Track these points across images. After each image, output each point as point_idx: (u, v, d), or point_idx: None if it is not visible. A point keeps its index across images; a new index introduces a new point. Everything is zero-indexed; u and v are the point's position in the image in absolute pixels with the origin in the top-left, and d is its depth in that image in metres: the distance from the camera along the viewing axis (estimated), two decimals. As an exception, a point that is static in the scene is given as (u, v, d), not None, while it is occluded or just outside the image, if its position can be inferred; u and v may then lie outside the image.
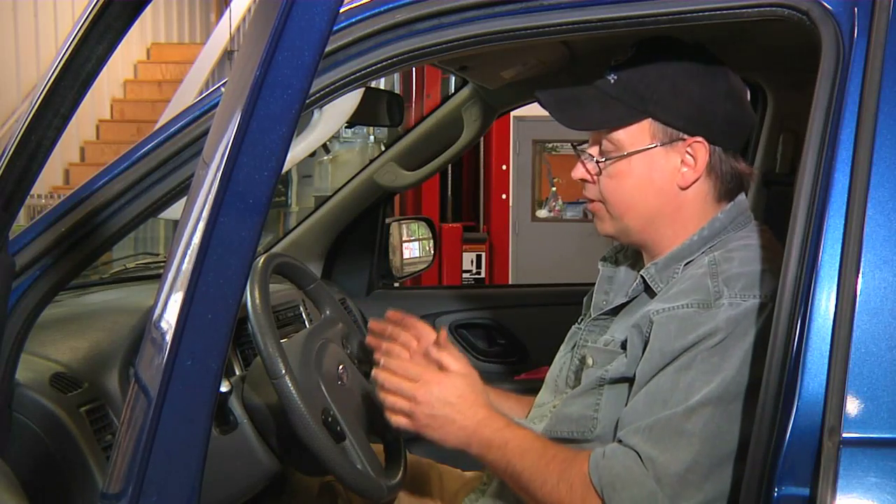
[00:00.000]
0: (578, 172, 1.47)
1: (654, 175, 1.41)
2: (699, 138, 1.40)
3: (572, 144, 1.52)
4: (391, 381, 1.41)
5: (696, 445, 1.24)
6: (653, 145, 1.40)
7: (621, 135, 1.41)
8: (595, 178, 1.45)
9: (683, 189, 1.41)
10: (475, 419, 1.38)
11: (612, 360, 1.39)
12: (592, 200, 1.47)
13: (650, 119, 1.40)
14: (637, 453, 1.27)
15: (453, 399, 1.39)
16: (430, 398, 1.38)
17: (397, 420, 1.42)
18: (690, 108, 1.39)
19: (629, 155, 1.41)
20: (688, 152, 1.40)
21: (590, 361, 1.43)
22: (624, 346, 1.38)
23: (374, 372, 1.44)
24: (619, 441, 1.30)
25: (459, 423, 1.38)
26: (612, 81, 1.42)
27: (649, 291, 1.42)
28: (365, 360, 1.72)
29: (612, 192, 1.43)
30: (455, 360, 1.45)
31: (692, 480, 1.24)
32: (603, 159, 1.43)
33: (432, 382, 1.39)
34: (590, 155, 1.45)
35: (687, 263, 1.40)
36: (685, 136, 1.40)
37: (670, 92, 1.39)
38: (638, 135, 1.40)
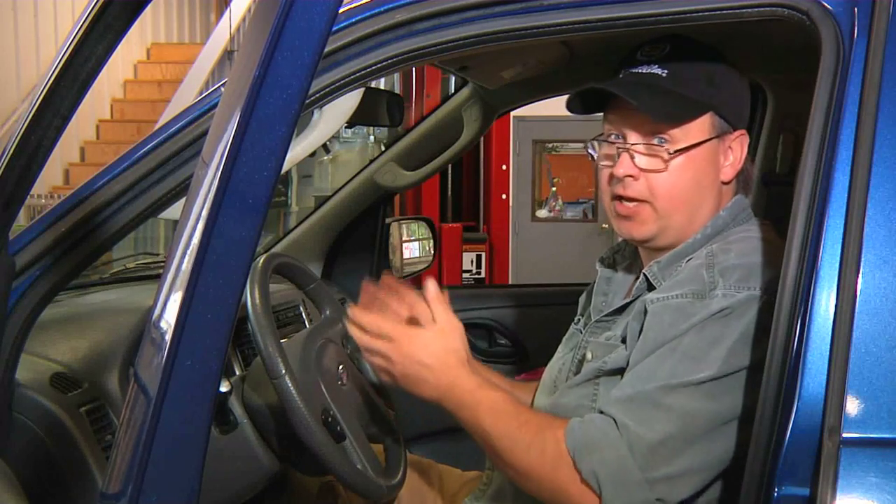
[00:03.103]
0: (625, 168, 1.39)
1: (708, 168, 1.40)
2: (742, 131, 1.41)
3: (597, 139, 1.45)
4: (363, 340, 1.41)
5: (673, 421, 1.24)
6: (710, 137, 1.39)
7: (684, 127, 1.37)
8: (641, 173, 1.39)
9: (726, 183, 1.42)
10: (447, 379, 1.37)
11: (611, 352, 1.39)
12: (632, 200, 1.40)
13: (711, 111, 1.39)
14: (613, 419, 1.27)
15: (425, 359, 1.38)
16: (401, 357, 1.38)
17: (379, 373, 1.44)
18: (737, 101, 1.41)
19: (692, 147, 1.37)
20: (730, 146, 1.41)
21: (589, 356, 1.43)
22: (624, 339, 1.38)
23: (347, 326, 1.44)
24: (599, 410, 1.31)
25: (432, 382, 1.38)
26: (664, 75, 1.38)
27: (651, 290, 1.41)
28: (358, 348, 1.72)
29: (666, 186, 1.38)
30: (439, 313, 1.43)
31: (663, 454, 1.24)
32: (672, 151, 1.37)
33: (403, 342, 1.39)
34: (650, 145, 1.38)
35: (689, 260, 1.40)
36: (732, 130, 1.40)
37: (724, 84, 1.40)
38: (697, 127, 1.38)
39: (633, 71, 1.41)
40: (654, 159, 1.38)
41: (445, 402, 1.38)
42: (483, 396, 1.36)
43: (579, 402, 1.40)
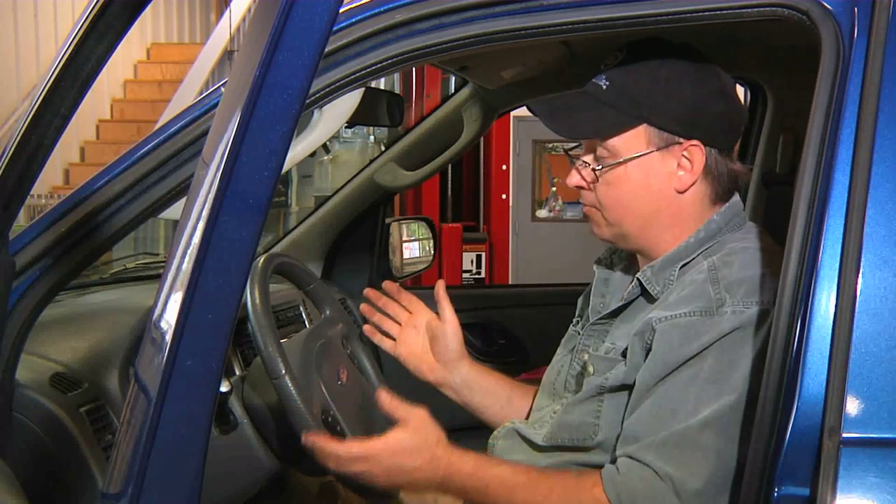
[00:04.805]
0: (574, 180, 1.46)
1: (651, 180, 1.40)
2: (695, 141, 1.39)
3: (565, 151, 1.52)
4: (340, 469, 1.33)
5: (712, 459, 1.24)
6: (648, 151, 1.39)
7: (616, 141, 1.39)
8: (591, 184, 1.44)
9: (681, 193, 1.41)
10: (440, 473, 1.32)
11: (612, 368, 1.38)
12: (588, 206, 1.46)
13: (645, 124, 1.39)
14: (653, 470, 1.25)
15: (409, 464, 1.31)
16: (385, 472, 1.31)
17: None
18: (685, 111, 1.38)
19: (625, 161, 1.39)
20: (684, 156, 1.39)
21: (591, 369, 1.42)
22: (624, 353, 1.37)
23: (319, 457, 1.34)
24: (630, 456, 1.29)
25: (425, 480, 1.33)
26: (605, 87, 1.41)
27: (646, 295, 1.42)
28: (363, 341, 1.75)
29: (608, 198, 1.42)
30: (403, 412, 1.35)
31: (710, 493, 1.23)
32: (599, 166, 1.41)
33: (381, 457, 1.31)
34: (585, 162, 1.44)
35: (683, 266, 1.39)
36: (681, 140, 1.39)
37: (664, 95, 1.38)
38: (633, 140, 1.39)
39: (590, 82, 1.44)
40: (589, 172, 1.43)
41: (446, 490, 1.34)
42: (488, 477, 1.31)
43: (583, 420, 1.39)
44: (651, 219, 1.42)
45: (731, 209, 1.43)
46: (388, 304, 1.67)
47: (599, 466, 1.35)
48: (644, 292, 1.42)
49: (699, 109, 1.39)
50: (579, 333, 1.54)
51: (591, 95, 1.42)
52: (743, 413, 1.23)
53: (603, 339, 1.46)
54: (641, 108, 1.38)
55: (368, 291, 1.67)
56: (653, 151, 1.39)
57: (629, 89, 1.39)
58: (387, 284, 1.68)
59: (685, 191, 1.41)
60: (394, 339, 1.67)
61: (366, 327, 1.65)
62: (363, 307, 1.68)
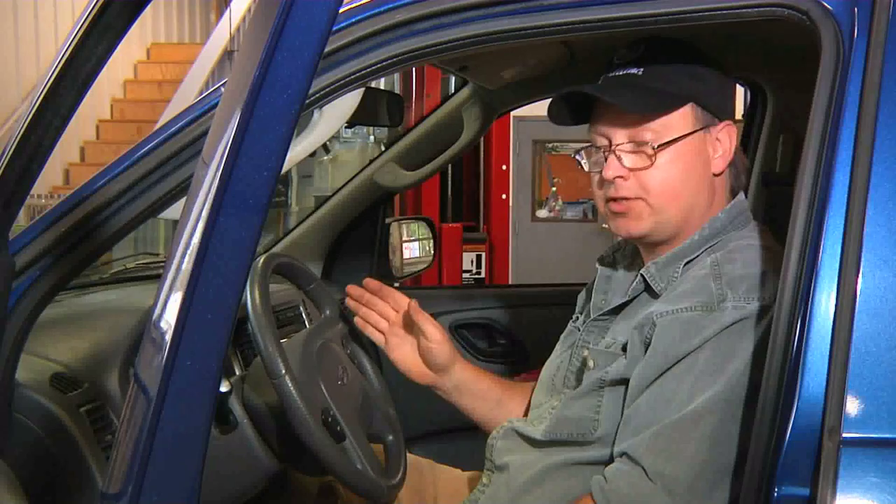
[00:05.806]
0: (613, 171, 1.38)
1: (698, 160, 1.39)
2: (728, 122, 1.41)
3: (589, 146, 1.45)
4: None
5: (704, 453, 1.24)
6: (696, 129, 1.39)
7: (665, 121, 1.37)
8: (630, 173, 1.38)
9: (717, 175, 1.42)
10: None
11: (613, 362, 1.38)
12: (626, 199, 1.39)
13: (692, 103, 1.39)
14: (643, 468, 1.26)
15: None
16: None
17: None
18: (719, 92, 1.41)
19: (678, 139, 1.37)
20: (717, 137, 1.40)
21: (591, 364, 1.42)
22: (625, 348, 1.37)
23: None
24: (625, 453, 1.29)
25: None
26: (640, 73, 1.39)
27: (650, 291, 1.41)
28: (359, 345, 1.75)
29: (658, 182, 1.38)
30: None
31: (701, 488, 1.23)
32: (655, 146, 1.36)
33: None
34: (635, 144, 1.38)
35: (687, 262, 1.39)
36: (717, 121, 1.40)
37: (698, 78, 1.40)
38: (681, 120, 1.38)
39: (610, 75, 1.43)
40: (640, 157, 1.38)
41: None
42: None
43: (583, 414, 1.39)
44: (694, 202, 1.40)
45: (735, 207, 1.43)
46: (372, 302, 1.66)
47: (597, 463, 1.35)
48: (647, 288, 1.42)
49: (727, 94, 1.42)
50: (579, 330, 1.54)
51: (629, 80, 1.40)
52: (738, 407, 1.23)
53: (603, 334, 1.46)
54: (684, 88, 1.39)
55: (350, 289, 1.67)
56: (699, 130, 1.39)
57: (667, 73, 1.39)
58: (368, 282, 1.67)
59: (720, 173, 1.42)
60: (383, 333, 1.67)
61: (356, 319, 1.67)
62: (348, 301, 1.68)
